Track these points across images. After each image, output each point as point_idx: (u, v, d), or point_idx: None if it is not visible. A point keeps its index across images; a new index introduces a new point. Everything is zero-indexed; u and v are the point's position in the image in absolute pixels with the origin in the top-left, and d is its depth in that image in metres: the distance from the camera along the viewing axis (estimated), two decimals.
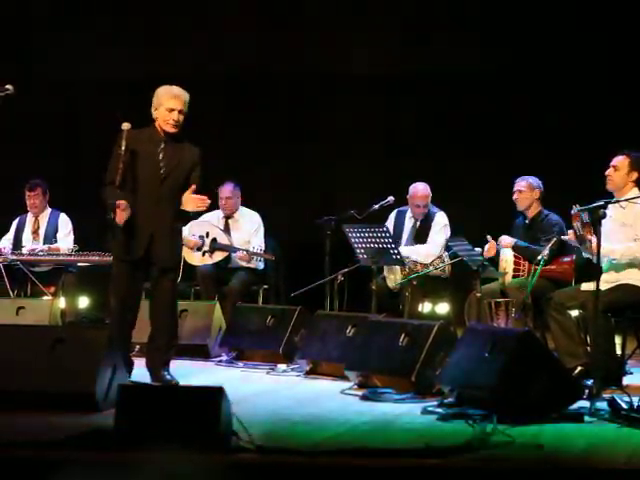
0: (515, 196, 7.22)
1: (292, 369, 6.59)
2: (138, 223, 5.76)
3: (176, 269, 6.06)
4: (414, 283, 7.36)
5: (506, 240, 7.08)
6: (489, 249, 7.07)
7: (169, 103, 5.81)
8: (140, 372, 5.93)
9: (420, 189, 7.88)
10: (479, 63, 9.43)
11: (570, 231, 6.10)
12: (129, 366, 5.79)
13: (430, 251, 7.76)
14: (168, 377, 5.87)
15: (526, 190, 7.18)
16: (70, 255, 8.32)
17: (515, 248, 7.03)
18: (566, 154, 8.90)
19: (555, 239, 6.60)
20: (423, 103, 9.58)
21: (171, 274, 5.95)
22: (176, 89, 5.87)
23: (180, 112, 5.82)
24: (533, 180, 7.20)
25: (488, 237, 7.08)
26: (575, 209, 5.85)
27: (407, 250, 7.66)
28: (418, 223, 7.93)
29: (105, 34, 9.92)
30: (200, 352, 7.18)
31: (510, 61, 9.33)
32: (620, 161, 6.01)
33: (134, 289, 5.91)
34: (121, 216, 5.66)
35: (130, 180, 5.74)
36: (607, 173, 6.03)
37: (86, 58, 9.80)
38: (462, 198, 9.03)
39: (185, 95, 5.88)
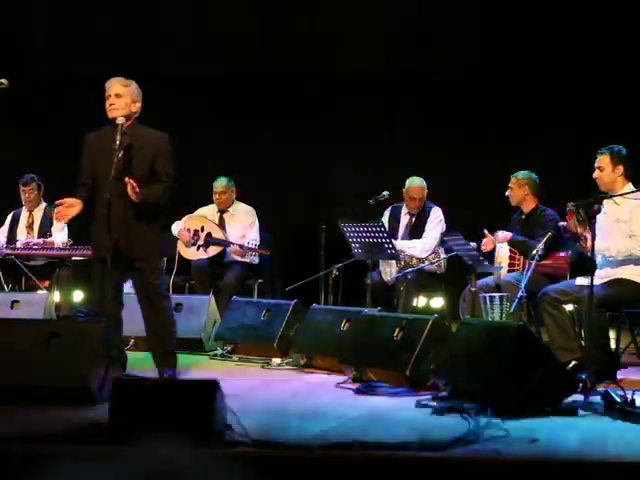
0: (507, 192, 7.24)
1: (287, 363, 6.60)
2: (106, 217, 5.58)
3: (148, 260, 5.75)
4: (409, 277, 7.37)
5: (503, 235, 7.10)
6: (486, 244, 7.09)
7: (106, 92, 5.74)
8: (134, 366, 5.91)
9: (416, 182, 7.88)
10: (478, 62, 9.43)
11: (567, 223, 6.07)
12: (123, 360, 5.76)
13: (426, 245, 7.75)
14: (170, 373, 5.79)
15: (515, 187, 7.21)
16: (64, 249, 8.31)
17: (512, 242, 7.05)
18: (565, 151, 8.91)
19: (550, 234, 6.61)
20: (422, 102, 9.58)
21: (143, 266, 5.72)
22: (113, 79, 5.79)
23: (117, 96, 5.69)
24: (522, 176, 7.20)
25: (485, 232, 7.09)
26: (570, 206, 5.86)
27: (402, 245, 7.66)
28: (414, 218, 7.93)
29: (105, 32, 9.90)
30: (195, 346, 7.18)
31: (508, 59, 9.33)
32: (601, 160, 5.98)
33: (112, 286, 5.65)
34: (60, 213, 5.65)
35: (98, 175, 5.67)
36: (594, 176, 6.01)
37: (85, 57, 9.78)
38: (460, 194, 9.05)
39: (119, 80, 5.74)
